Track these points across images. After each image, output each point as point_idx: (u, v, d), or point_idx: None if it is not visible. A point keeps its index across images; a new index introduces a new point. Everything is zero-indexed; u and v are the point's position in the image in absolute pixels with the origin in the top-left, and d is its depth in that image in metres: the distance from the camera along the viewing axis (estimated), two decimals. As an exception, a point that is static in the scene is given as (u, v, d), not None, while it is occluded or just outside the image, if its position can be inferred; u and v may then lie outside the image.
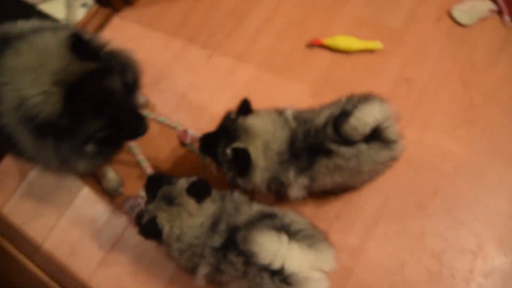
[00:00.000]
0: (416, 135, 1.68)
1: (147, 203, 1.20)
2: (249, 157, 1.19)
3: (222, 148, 1.24)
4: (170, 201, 1.15)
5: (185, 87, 1.83)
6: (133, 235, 1.59)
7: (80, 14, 2.16)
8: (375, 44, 1.79)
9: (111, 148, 1.22)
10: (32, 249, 1.64)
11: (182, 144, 1.59)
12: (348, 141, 1.15)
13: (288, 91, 1.77)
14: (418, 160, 1.62)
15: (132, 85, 1.21)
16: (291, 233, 1.04)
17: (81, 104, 1.03)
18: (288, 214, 1.12)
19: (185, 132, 1.56)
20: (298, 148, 1.21)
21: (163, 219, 1.13)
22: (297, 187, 1.26)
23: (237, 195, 1.23)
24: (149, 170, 1.50)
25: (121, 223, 1.63)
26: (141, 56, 1.90)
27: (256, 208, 1.18)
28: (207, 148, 1.32)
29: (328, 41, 1.79)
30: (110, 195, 1.66)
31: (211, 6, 2.02)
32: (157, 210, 1.15)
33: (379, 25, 1.89)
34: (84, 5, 2.19)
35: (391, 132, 1.17)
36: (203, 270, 1.14)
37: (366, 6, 1.94)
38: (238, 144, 1.20)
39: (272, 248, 1.00)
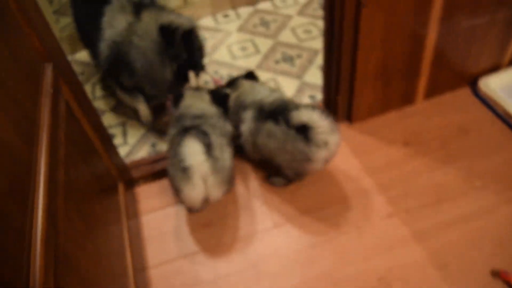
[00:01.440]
0: None
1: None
2: (228, 99, 1.89)
3: (218, 93, 1.93)
4: (193, 91, 1.92)
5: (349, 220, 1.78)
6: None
7: (304, 101, 2.31)
8: None
9: (183, 73, 2.00)
10: (140, 266, 1.72)
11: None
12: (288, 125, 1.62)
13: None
14: None
15: (203, 47, 2.06)
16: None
17: (193, 37, 1.94)
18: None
19: (218, 79, 2.28)
20: (265, 108, 1.75)
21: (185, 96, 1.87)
22: (247, 124, 1.77)
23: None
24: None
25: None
26: (328, 179, 1.94)
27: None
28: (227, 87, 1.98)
29: (519, 285, 1.56)
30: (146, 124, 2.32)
31: (419, 171, 1.95)
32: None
33: None
34: (311, 97, 2.34)
35: (316, 136, 1.59)
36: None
37: None
38: (226, 91, 1.91)
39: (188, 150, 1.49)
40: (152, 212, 1.92)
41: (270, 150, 1.74)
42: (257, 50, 2.70)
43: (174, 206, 1.93)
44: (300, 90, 2.39)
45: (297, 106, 1.69)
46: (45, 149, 1.04)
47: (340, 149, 2.05)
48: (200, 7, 2.99)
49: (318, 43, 2.67)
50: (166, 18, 1.90)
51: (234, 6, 3.07)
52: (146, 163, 2.05)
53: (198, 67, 2.04)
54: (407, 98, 2.18)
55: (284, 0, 3.09)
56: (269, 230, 1.81)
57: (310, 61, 2.55)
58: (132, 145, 2.24)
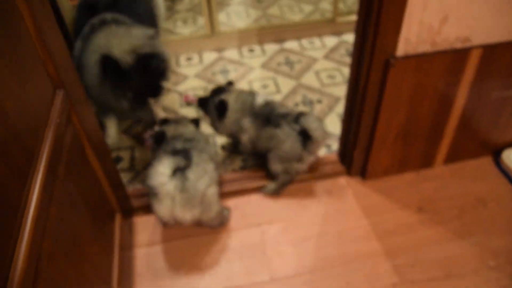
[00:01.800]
0: None
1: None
2: (227, 105, 1.88)
3: (212, 99, 1.93)
4: (176, 122, 1.83)
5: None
6: None
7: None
8: None
9: (140, 100, 1.93)
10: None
11: (187, 103, 2.49)
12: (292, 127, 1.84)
13: None
14: None
15: (162, 70, 1.94)
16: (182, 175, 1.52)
17: (141, 66, 1.77)
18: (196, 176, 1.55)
19: (188, 95, 2.46)
20: (259, 114, 1.88)
21: (168, 128, 1.79)
22: (247, 133, 1.91)
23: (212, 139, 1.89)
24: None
25: None
26: (335, 237, 1.85)
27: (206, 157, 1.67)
28: (202, 104, 2.01)
29: None
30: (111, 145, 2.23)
31: (430, 240, 1.85)
32: (167, 125, 1.82)
33: None
34: (327, 146, 2.27)
35: (312, 146, 1.86)
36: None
37: None
38: (222, 97, 1.90)
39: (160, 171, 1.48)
40: (147, 246, 1.84)
41: (267, 148, 1.92)
42: (278, 90, 2.66)
43: (171, 242, 1.85)
44: (316, 137, 2.32)
45: (293, 111, 1.92)
46: (40, 186, 0.98)
47: (350, 206, 1.98)
48: (227, 38, 2.99)
49: (340, 91, 2.62)
50: (107, 46, 1.78)
51: (260, 42, 3.06)
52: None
53: (156, 94, 1.97)
54: (426, 161, 2.10)
55: (312, 41, 3.07)
56: (265, 284, 1.71)
57: (330, 108, 2.50)
58: (138, 172, 2.18)
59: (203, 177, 1.57)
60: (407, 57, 1.63)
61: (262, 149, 1.95)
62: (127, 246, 1.83)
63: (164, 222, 1.78)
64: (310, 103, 2.53)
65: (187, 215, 1.58)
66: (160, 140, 1.72)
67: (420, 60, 1.65)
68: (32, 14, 1.11)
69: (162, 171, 1.47)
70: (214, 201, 1.66)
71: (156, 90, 1.92)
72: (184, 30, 3.21)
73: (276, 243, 1.85)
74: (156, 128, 1.87)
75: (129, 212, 1.92)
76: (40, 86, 1.15)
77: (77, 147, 1.35)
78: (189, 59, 2.98)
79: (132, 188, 2.03)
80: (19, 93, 1.00)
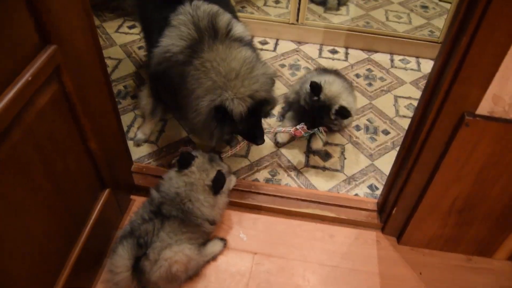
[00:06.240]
0: None
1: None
2: (347, 109, 1.83)
3: (328, 114, 1.87)
4: (211, 160, 1.56)
5: None
6: None
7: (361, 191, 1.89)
8: None
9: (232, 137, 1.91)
10: None
11: (298, 137, 1.98)
12: None
13: None
14: None
15: (266, 114, 1.74)
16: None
17: (252, 114, 1.55)
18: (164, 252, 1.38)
19: (296, 129, 1.91)
20: None
21: (198, 162, 1.51)
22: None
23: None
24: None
25: None
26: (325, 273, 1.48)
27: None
28: (313, 125, 1.93)
29: None
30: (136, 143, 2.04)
31: None
32: (199, 155, 1.55)
33: None
34: (370, 186, 1.90)
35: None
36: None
37: None
38: (337, 107, 1.85)
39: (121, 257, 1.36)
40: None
41: None
42: (344, 104, 2.30)
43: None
44: (363, 172, 1.96)
45: None
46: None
47: (368, 270, 1.63)
48: (310, 31, 2.66)
49: (415, 127, 2.19)
50: (222, 96, 1.49)
51: (347, 45, 2.69)
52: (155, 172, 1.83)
53: (256, 140, 1.67)
54: (484, 249, 1.66)
55: (407, 61, 2.62)
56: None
57: (393, 144, 2.09)
58: (161, 148, 2.02)
59: (165, 256, 1.38)
60: (490, 119, 1.22)
61: None
62: (110, 223, 1.68)
63: None
64: (373, 131, 2.15)
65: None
66: (183, 164, 1.50)
67: (511, 128, 1.23)
68: None
69: (124, 264, 1.35)
70: (180, 277, 1.45)
71: (258, 136, 1.66)
72: (270, 10, 2.94)
73: (263, 281, 1.58)
74: (191, 151, 1.62)
75: (126, 189, 1.77)
76: (17, 36, 0.98)
77: (59, 110, 1.18)
78: (264, 43, 2.72)
79: (136, 166, 1.88)
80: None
